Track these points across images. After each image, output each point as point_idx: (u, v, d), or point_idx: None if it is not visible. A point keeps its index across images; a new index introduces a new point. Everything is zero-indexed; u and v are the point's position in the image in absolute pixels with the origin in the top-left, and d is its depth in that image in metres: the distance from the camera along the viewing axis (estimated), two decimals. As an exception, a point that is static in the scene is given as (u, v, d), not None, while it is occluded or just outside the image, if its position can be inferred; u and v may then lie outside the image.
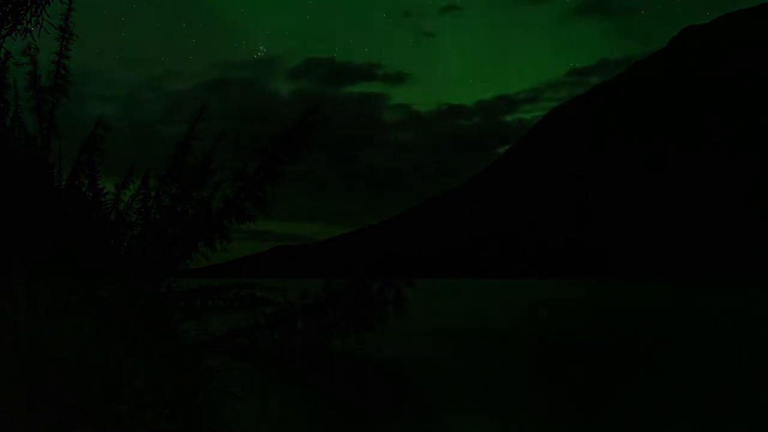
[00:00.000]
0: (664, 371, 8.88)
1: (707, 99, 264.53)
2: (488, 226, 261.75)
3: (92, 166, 7.06)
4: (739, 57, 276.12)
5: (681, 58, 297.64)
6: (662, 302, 31.34)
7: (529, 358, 10.57)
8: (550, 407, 6.70)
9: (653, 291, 50.17)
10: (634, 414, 6.21)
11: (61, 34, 7.15)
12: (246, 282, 8.89)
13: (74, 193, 6.47)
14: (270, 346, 8.91)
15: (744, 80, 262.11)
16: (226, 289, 8.01)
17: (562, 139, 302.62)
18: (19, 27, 4.56)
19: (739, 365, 9.59)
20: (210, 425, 3.44)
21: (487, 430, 5.71)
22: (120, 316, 3.50)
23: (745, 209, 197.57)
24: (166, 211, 7.23)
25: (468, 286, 72.08)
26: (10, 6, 4.41)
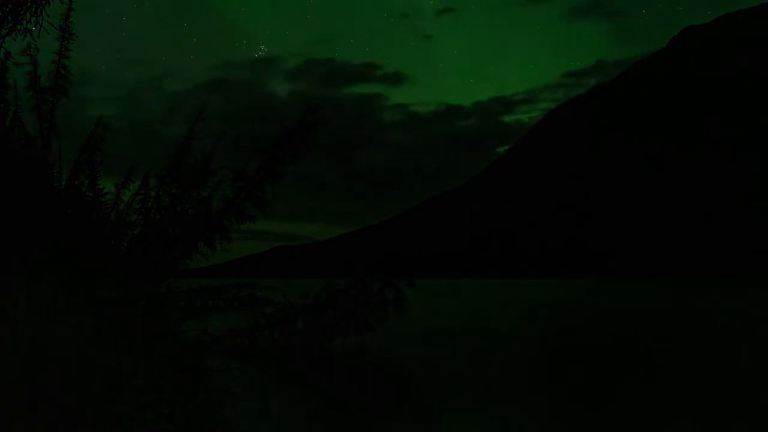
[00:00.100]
0: (664, 371, 8.88)
1: (707, 99, 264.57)
2: (488, 226, 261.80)
3: (92, 166, 7.06)
4: (739, 57, 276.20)
5: (681, 58, 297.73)
6: (662, 302, 31.34)
7: (529, 358, 10.57)
8: (550, 407, 6.70)
9: (653, 291, 50.17)
10: (634, 414, 6.21)
11: (61, 34, 7.15)
12: (246, 282, 8.89)
13: (74, 193, 6.47)
14: (270, 346, 8.92)
15: (744, 80, 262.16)
16: (226, 289, 8.02)
17: (561, 139, 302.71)
18: (19, 27, 4.56)
19: (739, 365, 9.59)
20: (210, 425, 3.44)
21: (487, 430, 5.71)
22: (120, 316, 3.50)
23: (745, 209, 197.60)
24: (166, 211, 7.23)
25: (468, 286, 72.08)
26: (10, 6, 4.41)
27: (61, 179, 6.72)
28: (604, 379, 8.46)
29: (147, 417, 3.15)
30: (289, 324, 8.85)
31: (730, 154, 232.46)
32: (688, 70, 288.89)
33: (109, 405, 3.05)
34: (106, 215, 6.66)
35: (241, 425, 4.76)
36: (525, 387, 7.91)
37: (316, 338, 9.12)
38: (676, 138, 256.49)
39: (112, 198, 7.05)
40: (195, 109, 7.43)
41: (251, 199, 7.16)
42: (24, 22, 4.55)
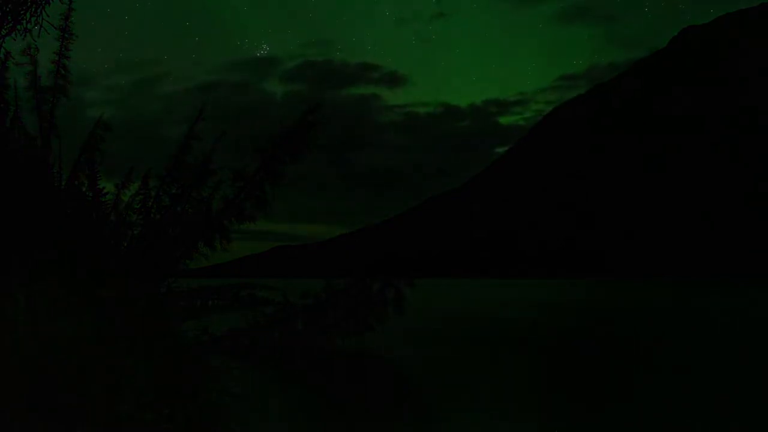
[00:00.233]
0: (664, 371, 8.88)
1: (707, 99, 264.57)
2: (488, 226, 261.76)
3: (92, 166, 7.05)
4: (739, 57, 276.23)
5: (681, 58, 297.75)
6: (662, 302, 31.34)
7: (529, 358, 10.57)
8: (550, 407, 6.70)
9: (653, 291, 50.18)
10: (634, 414, 6.21)
11: (61, 34, 7.15)
12: (246, 282, 8.88)
13: (74, 193, 6.47)
14: (270, 346, 8.91)
15: (744, 80, 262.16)
16: (226, 289, 8.01)
17: (561, 139, 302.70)
18: (19, 27, 4.56)
19: (739, 365, 9.59)
20: (210, 425, 3.44)
21: (487, 430, 5.71)
22: (120, 316, 3.50)
23: (745, 209, 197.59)
24: (166, 211, 7.23)
25: (468, 286, 72.08)
26: (10, 6, 4.41)
27: (61, 179, 6.72)
28: (604, 379, 8.46)
29: (147, 417, 3.15)
30: (289, 324, 8.85)
31: (730, 154, 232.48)
32: (688, 70, 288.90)
33: (109, 405, 3.05)
34: (106, 215, 6.66)
35: (241, 425, 4.76)
36: (525, 387, 7.91)
37: (316, 338, 9.11)
38: (676, 138, 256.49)
39: (112, 198, 7.05)
40: (195, 109, 7.43)
41: (251, 199, 7.16)
42: (24, 22, 4.55)
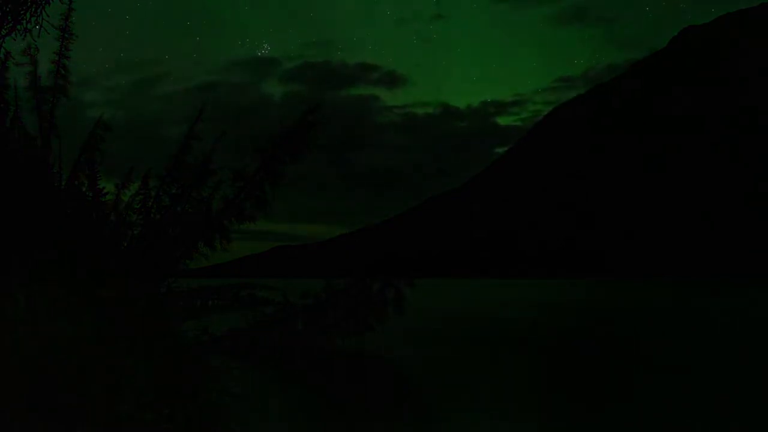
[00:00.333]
0: (664, 371, 8.88)
1: (707, 99, 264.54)
2: (488, 226, 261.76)
3: (92, 166, 7.05)
4: (739, 57, 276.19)
5: (681, 58, 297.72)
6: (662, 302, 31.34)
7: (529, 358, 10.57)
8: (550, 407, 6.70)
9: (653, 291, 50.18)
10: (634, 414, 6.21)
11: (61, 34, 7.15)
12: (246, 282, 8.88)
13: (74, 193, 6.47)
14: (270, 346, 8.91)
15: (744, 80, 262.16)
16: (226, 289, 8.01)
17: (561, 139, 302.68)
18: (19, 27, 4.56)
19: (739, 365, 9.59)
20: (210, 425, 3.44)
21: (487, 430, 5.71)
22: (120, 316, 3.50)
23: (745, 209, 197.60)
24: (166, 211, 7.22)
25: (468, 286, 72.08)
26: (10, 6, 4.41)
27: (61, 179, 6.72)
28: (604, 379, 8.46)
29: (147, 417, 3.15)
30: (289, 324, 8.85)
31: (730, 154, 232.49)
32: (688, 70, 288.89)
33: (109, 405, 3.05)
34: (106, 215, 6.65)
35: (241, 425, 4.76)
36: (525, 387, 7.91)
37: (316, 338, 9.11)
38: (676, 138, 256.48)
39: (112, 198, 7.04)
40: (195, 109, 7.43)
41: (251, 199, 7.16)
42: (24, 22, 4.55)
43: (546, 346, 12.30)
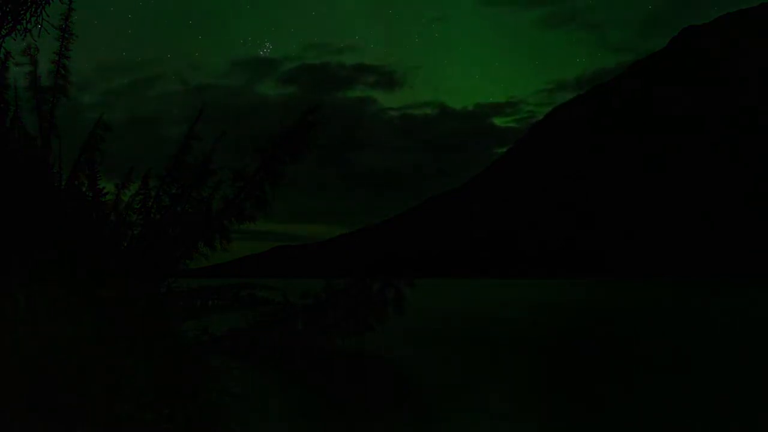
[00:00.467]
0: (664, 371, 8.88)
1: (707, 99, 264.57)
2: (488, 226, 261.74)
3: (92, 166, 7.05)
4: (739, 57, 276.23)
5: (681, 58, 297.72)
6: (662, 302, 31.34)
7: (529, 358, 10.57)
8: (550, 407, 6.70)
9: (653, 291, 50.18)
10: (634, 414, 6.21)
11: (61, 34, 7.14)
12: (246, 282, 8.88)
13: (74, 193, 6.46)
14: (270, 346, 8.91)
15: (744, 80, 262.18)
16: (226, 289, 8.01)
17: (561, 139, 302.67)
18: (19, 27, 4.56)
19: (739, 365, 9.59)
20: (210, 425, 3.44)
21: (487, 430, 5.71)
22: (120, 316, 3.50)
23: (745, 209, 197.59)
24: (166, 211, 7.22)
25: (468, 286, 72.06)
26: (10, 6, 4.41)
27: (61, 179, 6.71)
28: (604, 379, 8.46)
29: (147, 417, 3.15)
30: (289, 324, 8.85)
31: (730, 154, 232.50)
32: (688, 70, 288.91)
33: (109, 405, 3.05)
34: (106, 215, 6.65)
35: (241, 425, 4.76)
36: (525, 387, 7.91)
37: (316, 338, 9.11)
38: (676, 138, 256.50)
39: (112, 198, 7.04)
40: (194, 110, 7.43)
41: (251, 199, 7.15)
42: (24, 22, 4.55)
43: (546, 346, 12.30)
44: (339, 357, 9.31)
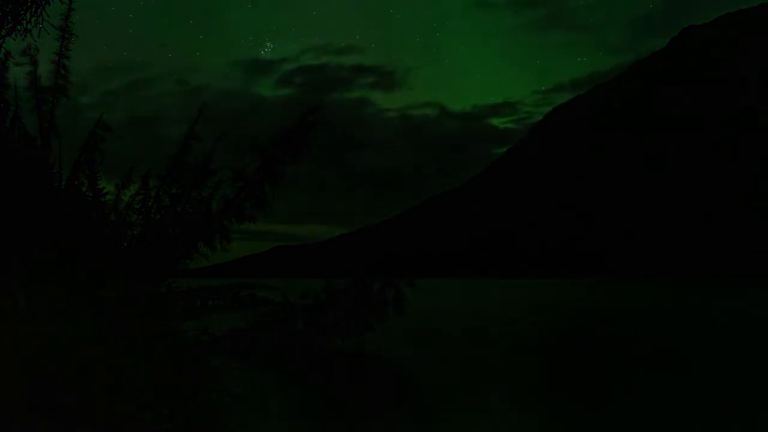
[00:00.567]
0: (664, 371, 8.88)
1: (707, 99, 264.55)
2: (488, 226, 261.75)
3: (92, 166, 7.04)
4: (739, 57, 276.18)
5: (681, 58, 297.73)
6: (662, 302, 31.34)
7: (529, 358, 10.57)
8: (550, 407, 6.70)
9: (653, 291, 50.17)
10: (634, 414, 6.21)
11: (61, 34, 7.14)
12: (246, 282, 8.87)
13: (74, 193, 6.46)
14: (270, 346, 8.90)
15: (744, 80, 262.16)
16: (226, 289, 8.00)
17: (561, 139, 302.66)
18: (19, 27, 4.56)
19: (739, 365, 9.59)
20: (210, 425, 3.44)
21: (487, 430, 5.71)
22: (120, 316, 3.50)
23: (745, 209, 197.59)
24: (166, 211, 7.22)
25: (468, 286, 72.06)
26: (10, 6, 4.41)
27: (61, 179, 6.71)
28: (604, 379, 8.46)
29: (147, 417, 3.15)
30: (289, 324, 8.85)
31: (730, 154, 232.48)
32: (688, 70, 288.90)
33: (109, 405, 3.05)
34: (106, 215, 6.65)
35: (241, 425, 4.76)
36: (525, 387, 7.91)
37: (316, 338, 9.11)
38: (676, 138, 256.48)
39: (112, 198, 7.04)
40: (194, 110, 7.43)
41: (251, 199, 7.15)
42: (24, 22, 4.55)
43: (546, 346, 12.30)
44: (339, 357, 9.31)
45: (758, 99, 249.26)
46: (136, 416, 3.11)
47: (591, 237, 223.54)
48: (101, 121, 7.26)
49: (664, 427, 5.72)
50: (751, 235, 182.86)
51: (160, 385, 3.25)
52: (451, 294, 44.20)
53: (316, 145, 7.18)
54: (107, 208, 6.81)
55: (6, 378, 2.99)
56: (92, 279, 4.01)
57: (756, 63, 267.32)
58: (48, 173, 6.25)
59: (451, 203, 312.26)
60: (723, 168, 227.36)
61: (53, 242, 4.29)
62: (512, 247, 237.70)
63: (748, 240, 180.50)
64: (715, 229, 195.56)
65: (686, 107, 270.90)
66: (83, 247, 4.66)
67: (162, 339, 3.55)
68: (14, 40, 4.72)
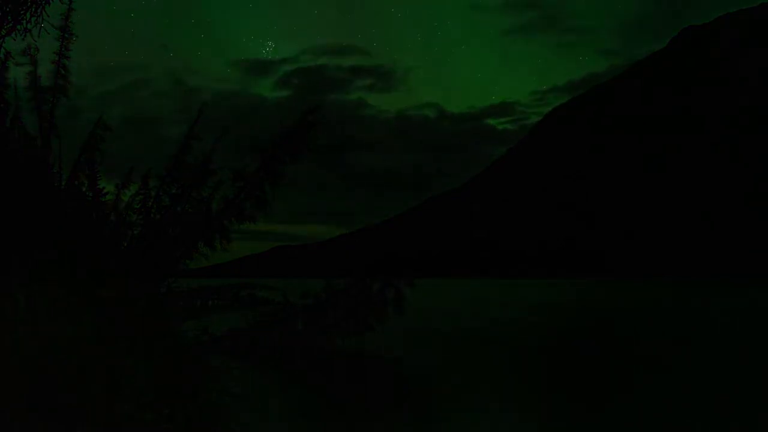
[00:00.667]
0: (665, 371, 8.88)
1: (707, 99, 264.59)
2: (488, 226, 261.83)
3: (92, 166, 7.05)
4: (739, 57, 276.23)
5: (681, 58, 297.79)
6: (662, 302, 31.34)
7: (529, 358, 10.57)
8: (550, 407, 6.70)
9: (653, 291, 50.17)
10: (634, 414, 6.21)
11: (61, 34, 7.15)
12: (246, 282, 8.87)
13: (74, 193, 6.47)
14: (270, 346, 8.91)
15: (744, 80, 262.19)
16: (226, 289, 8.00)
17: (561, 139, 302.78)
18: (19, 27, 4.56)
19: (739, 365, 9.59)
20: (210, 425, 3.44)
21: (487, 430, 5.71)
22: (120, 316, 3.50)
23: (745, 209, 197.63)
24: (166, 211, 7.22)
25: (468, 286, 72.07)
26: (10, 6, 4.41)
27: (61, 179, 6.72)
28: (604, 379, 8.46)
29: (147, 417, 3.15)
30: (289, 324, 8.85)
31: (730, 154, 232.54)
32: (688, 70, 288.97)
33: (109, 405, 3.05)
34: (106, 215, 6.65)
35: (241, 425, 4.76)
36: (525, 387, 7.91)
37: (316, 338, 9.11)
38: (676, 138, 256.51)
39: (112, 198, 7.04)
40: (195, 110, 7.43)
41: (251, 199, 7.15)
42: (24, 22, 4.55)
43: (546, 346, 12.30)
44: (339, 357, 9.32)
45: (758, 99, 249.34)
46: (136, 416, 3.11)
47: (591, 237, 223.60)
48: (101, 121, 7.27)
49: (664, 427, 5.72)
50: (751, 235, 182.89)
51: (160, 385, 3.25)
52: (451, 294, 44.20)
53: (317, 145, 7.18)
54: (107, 208, 6.81)
55: (6, 378, 2.99)
56: (92, 279, 4.01)
57: (756, 63, 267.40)
58: (48, 173, 6.25)
59: (451, 203, 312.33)
60: (723, 168, 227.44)
61: (53, 242, 4.29)
62: (512, 247, 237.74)
63: (748, 240, 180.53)
64: (715, 229, 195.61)
65: (686, 107, 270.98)
66: (83, 247, 4.66)
67: (162, 339, 3.55)
68: (14, 40, 4.71)
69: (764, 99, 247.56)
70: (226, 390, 3.67)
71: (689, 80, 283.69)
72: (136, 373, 3.18)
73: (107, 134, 7.08)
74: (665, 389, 7.40)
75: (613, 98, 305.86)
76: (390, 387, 8.14)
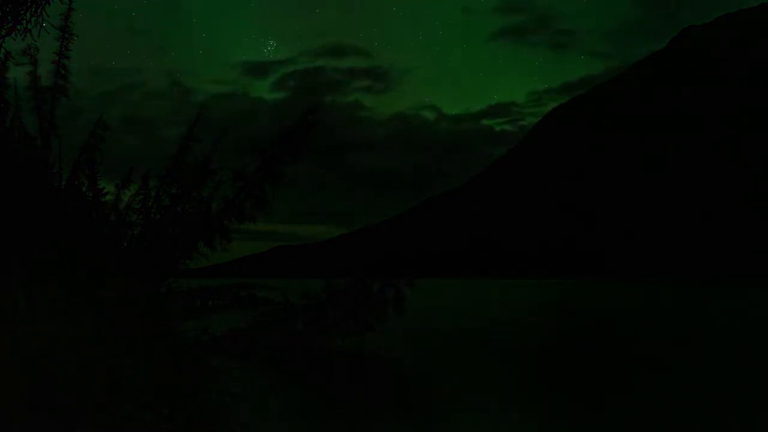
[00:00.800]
0: (664, 371, 8.88)
1: (707, 99, 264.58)
2: (488, 226, 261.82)
3: (92, 166, 7.05)
4: (739, 57, 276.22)
5: (681, 58, 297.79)
6: (662, 302, 31.33)
7: (529, 358, 10.57)
8: (550, 407, 6.70)
9: (653, 291, 50.16)
10: (634, 414, 6.21)
11: (61, 34, 7.15)
12: (246, 282, 8.88)
13: (74, 193, 6.47)
14: (270, 346, 8.92)
15: (744, 80, 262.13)
16: (226, 289, 8.01)
17: (561, 139, 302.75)
18: (19, 27, 4.56)
19: (739, 365, 9.59)
20: (210, 425, 3.44)
21: (487, 430, 5.71)
22: (120, 316, 3.50)
23: (745, 209, 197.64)
24: (166, 211, 7.22)
25: (468, 286, 72.07)
26: (10, 6, 4.41)
27: (61, 179, 6.72)
28: (604, 379, 8.46)
29: (147, 417, 3.15)
30: (289, 324, 8.86)
31: (730, 154, 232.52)
32: (688, 70, 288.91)
33: (109, 405, 3.05)
34: (106, 215, 6.65)
35: (241, 425, 4.76)
36: (525, 387, 7.91)
37: (316, 338, 9.12)
38: (676, 138, 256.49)
39: (112, 198, 7.04)
40: (195, 110, 7.43)
41: (251, 199, 7.16)
42: (24, 22, 4.55)
43: (546, 346, 12.30)
44: (339, 357, 9.32)
45: (758, 99, 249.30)
46: (136, 416, 3.11)
47: (591, 237, 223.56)
48: (101, 121, 7.27)
49: (664, 427, 5.72)
50: (751, 235, 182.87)
51: (160, 385, 3.25)
52: (451, 294, 44.20)
53: (316, 145, 7.19)
54: (107, 208, 6.81)
55: (6, 378, 2.99)
56: (92, 279, 4.01)
57: (756, 63, 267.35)
58: (48, 173, 6.25)
59: (451, 203, 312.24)
60: (723, 168, 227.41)
61: (53, 242, 4.29)
62: (512, 247, 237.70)
63: (748, 240, 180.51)
64: (715, 229, 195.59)
65: (686, 107, 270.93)
66: (83, 247, 4.66)
67: (162, 339, 3.55)
68: (14, 40, 4.71)
69: (764, 99, 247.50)
70: (226, 390, 3.67)
71: (689, 80, 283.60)
72: (136, 373, 3.18)
73: (107, 134, 7.08)
74: (665, 389, 7.40)
75: (612, 98, 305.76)
76: (390, 387, 8.13)
